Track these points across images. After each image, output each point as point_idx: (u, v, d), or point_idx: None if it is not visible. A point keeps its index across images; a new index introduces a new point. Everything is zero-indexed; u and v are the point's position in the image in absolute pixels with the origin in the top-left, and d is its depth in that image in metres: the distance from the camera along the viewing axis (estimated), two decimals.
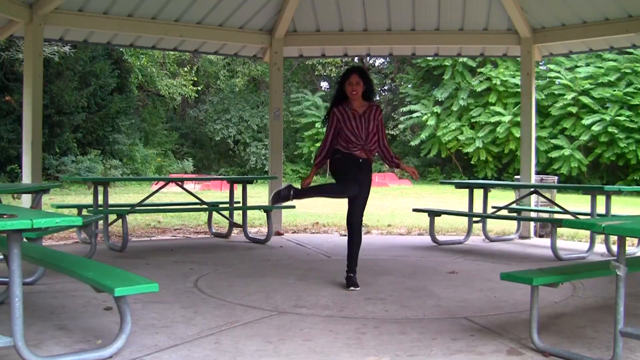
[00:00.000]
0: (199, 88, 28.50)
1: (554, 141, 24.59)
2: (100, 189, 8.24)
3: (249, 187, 9.54)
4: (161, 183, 11.64)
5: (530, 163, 9.51)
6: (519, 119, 16.42)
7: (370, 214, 11.58)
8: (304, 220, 11.66)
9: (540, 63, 25.08)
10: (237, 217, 9.53)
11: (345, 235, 6.16)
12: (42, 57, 8.14)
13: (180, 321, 4.48)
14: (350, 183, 5.68)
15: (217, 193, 20.51)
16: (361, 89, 5.79)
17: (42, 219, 3.27)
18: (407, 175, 28.84)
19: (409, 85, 30.43)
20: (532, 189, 9.02)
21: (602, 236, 7.97)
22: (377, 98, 33.89)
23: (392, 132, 30.29)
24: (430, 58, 26.77)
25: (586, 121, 23.67)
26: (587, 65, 24.89)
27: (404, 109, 29.29)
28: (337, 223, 11.08)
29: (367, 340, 4.11)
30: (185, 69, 27.36)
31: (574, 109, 24.16)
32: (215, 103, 30.41)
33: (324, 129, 6.00)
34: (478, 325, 4.49)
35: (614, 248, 7.58)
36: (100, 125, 23.89)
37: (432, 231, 8.86)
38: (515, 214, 9.25)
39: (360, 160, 5.76)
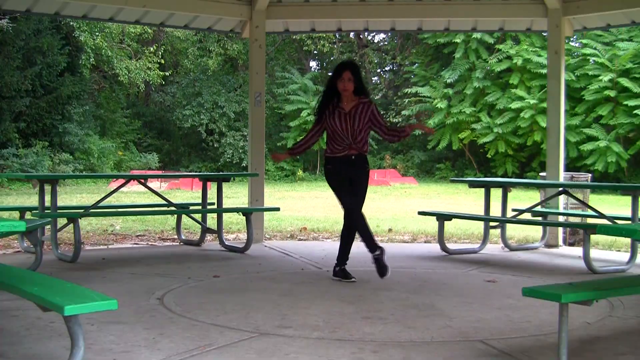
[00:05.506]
0: (167, 73, 28.28)
1: (587, 131, 24.61)
2: (48, 188, 8.19)
3: (225, 185, 9.50)
4: (121, 181, 11.61)
5: (558, 157, 9.53)
6: (545, 104, 16.50)
7: (369, 218, 11.32)
8: (290, 224, 11.66)
9: (572, 38, 25.07)
10: (211, 221, 9.51)
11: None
12: None
13: (142, 345, 4.47)
14: (344, 197, 6.80)
15: (187, 193, 20.49)
16: (353, 85, 6.74)
17: None
18: (412, 172, 28.88)
19: (415, 65, 30.32)
20: (560, 189, 9.04)
21: None
22: (377, 79, 33.94)
23: (394, 120, 30.20)
24: (439, 33, 26.73)
25: (627, 107, 23.74)
26: (630, 40, 24.84)
27: (409, 90, 29.11)
28: (329, 228, 11.08)
29: None
30: (151, 48, 27.17)
31: (611, 93, 24.15)
32: (185, 86, 30.21)
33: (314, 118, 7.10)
34: (496, 350, 4.50)
35: None
36: (47, 112, 23.78)
37: (441, 238, 8.88)
38: (540, 218, 9.27)
39: (353, 157, 6.80)
